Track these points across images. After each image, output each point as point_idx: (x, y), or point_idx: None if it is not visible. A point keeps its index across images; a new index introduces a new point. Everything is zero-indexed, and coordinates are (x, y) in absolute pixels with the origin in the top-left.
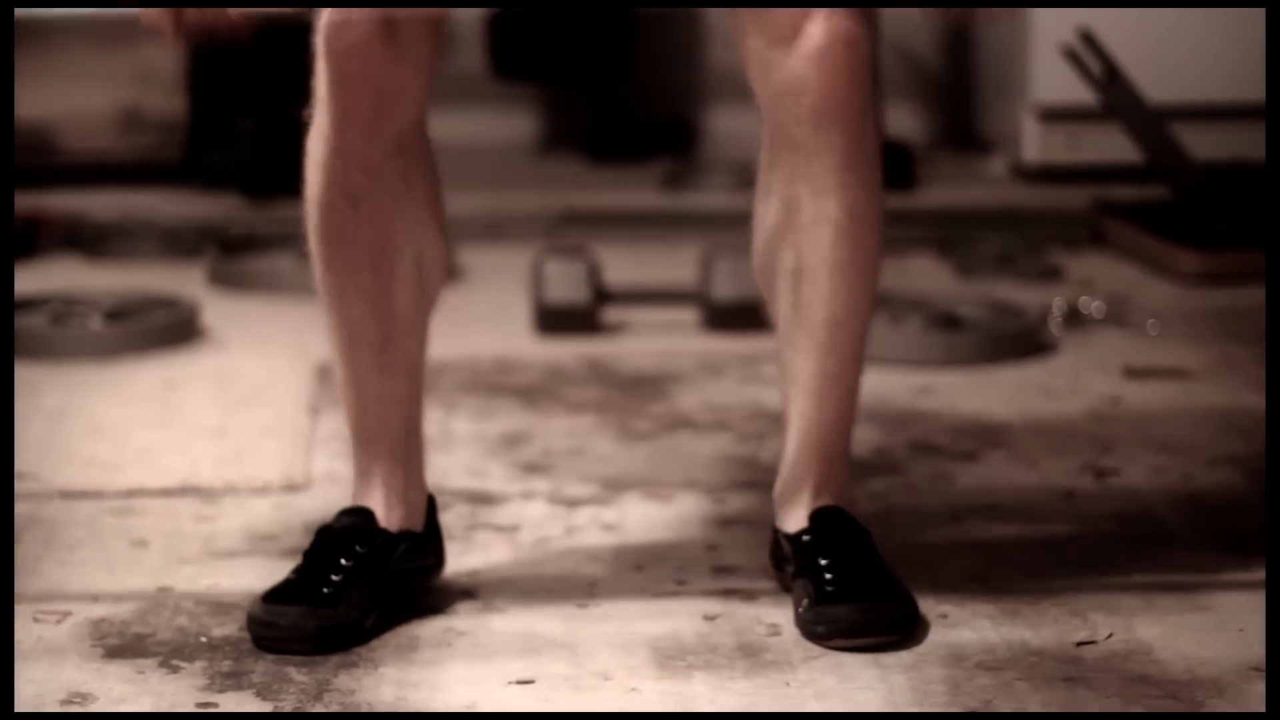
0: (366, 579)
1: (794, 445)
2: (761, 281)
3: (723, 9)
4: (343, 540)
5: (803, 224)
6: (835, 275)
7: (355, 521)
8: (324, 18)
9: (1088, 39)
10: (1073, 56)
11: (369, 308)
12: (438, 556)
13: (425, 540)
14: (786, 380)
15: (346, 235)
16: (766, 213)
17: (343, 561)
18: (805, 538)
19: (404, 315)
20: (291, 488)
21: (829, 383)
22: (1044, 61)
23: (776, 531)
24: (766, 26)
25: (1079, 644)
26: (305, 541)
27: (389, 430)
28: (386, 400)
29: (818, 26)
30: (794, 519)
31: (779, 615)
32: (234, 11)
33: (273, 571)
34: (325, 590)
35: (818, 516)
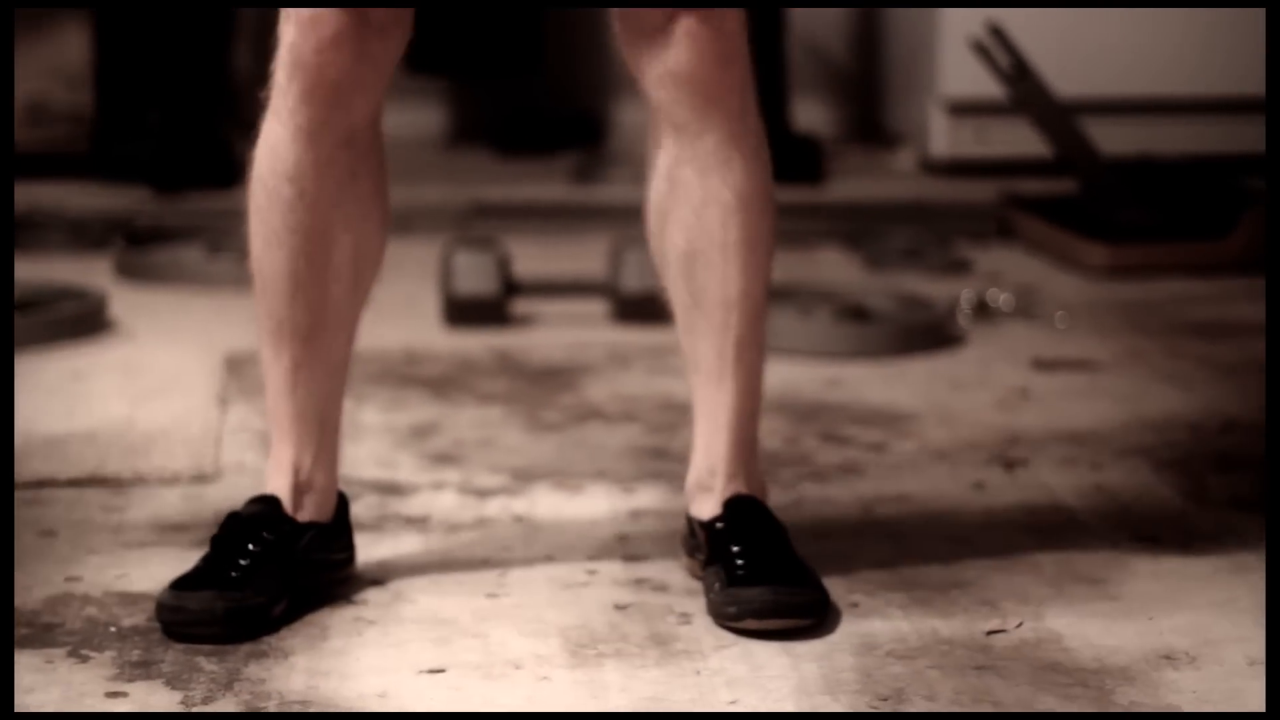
0: (274, 565)
1: (702, 431)
2: (658, 268)
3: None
4: (250, 526)
5: (692, 206)
6: (728, 255)
7: (262, 509)
8: (295, 7)
9: (996, 33)
10: (981, 50)
11: (300, 294)
12: (348, 551)
13: (334, 532)
14: (689, 367)
15: (286, 219)
16: (656, 196)
17: (250, 547)
18: (719, 525)
19: (334, 307)
20: (200, 478)
21: (731, 365)
22: (952, 55)
23: (690, 520)
24: (640, 14)
25: (989, 633)
26: (215, 531)
27: (305, 420)
28: (306, 390)
29: (688, 11)
30: (707, 507)
31: (690, 604)
32: None
33: (182, 562)
34: (233, 574)
35: (731, 504)
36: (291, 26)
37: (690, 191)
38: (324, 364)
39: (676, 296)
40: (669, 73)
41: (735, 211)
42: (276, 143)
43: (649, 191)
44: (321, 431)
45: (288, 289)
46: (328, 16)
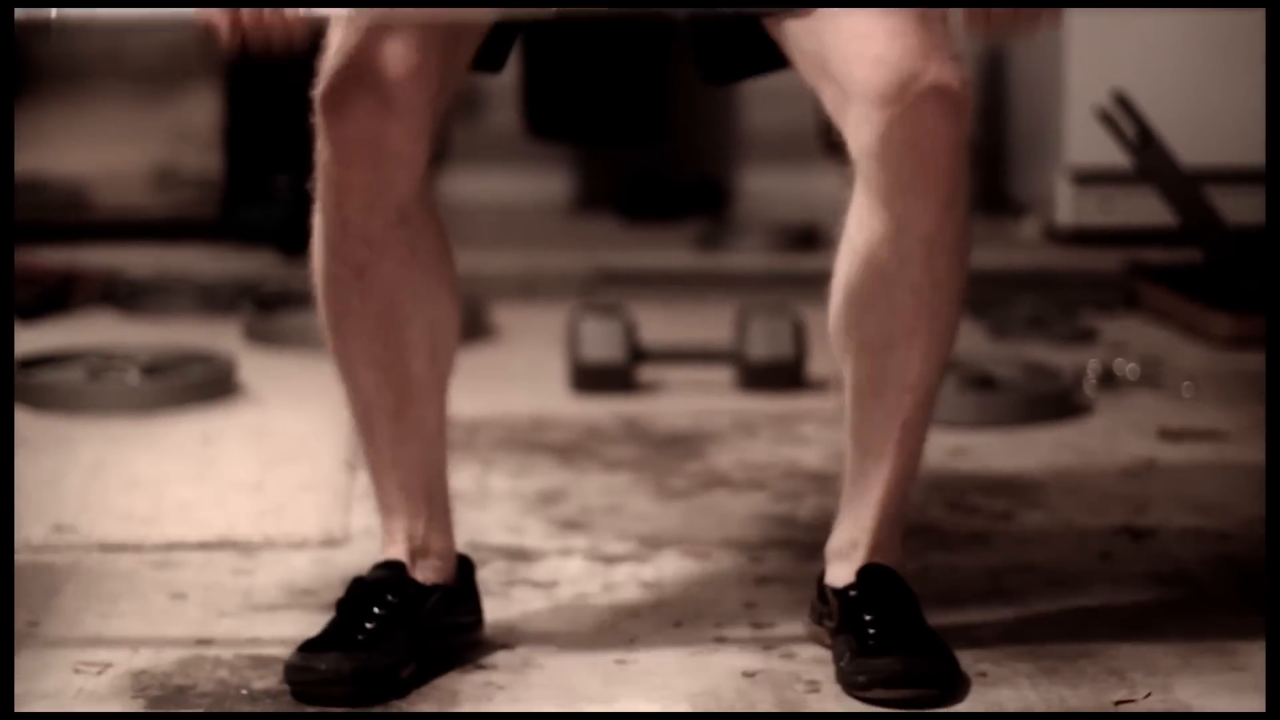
0: (401, 627)
1: (851, 504)
2: (835, 338)
3: (807, 62)
4: (375, 590)
5: (885, 287)
6: (913, 344)
7: (386, 573)
8: (319, 85)
9: (1121, 101)
10: (1106, 119)
11: (381, 376)
12: (476, 615)
13: (460, 596)
14: (851, 438)
15: (353, 306)
16: (850, 272)
17: (376, 610)
18: (852, 593)
19: (418, 381)
20: (330, 543)
21: (894, 445)
22: (1077, 123)
23: (821, 585)
24: (866, 83)
25: (1118, 703)
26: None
27: (410, 493)
28: (405, 465)
29: (924, 87)
30: (842, 574)
31: (818, 672)
32: (289, 12)
33: (311, 625)
34: (359, 636)
35: (865, 573)
36: (319, 116)
37: (888, 276)
38: (418, 438)
39: (851, 374)
40: (891, 152)
41: (929, 302)
42: (328, 235)
43: (838, 265)
44: (430, 501)
45: (368, 373)
46: (348, 87)
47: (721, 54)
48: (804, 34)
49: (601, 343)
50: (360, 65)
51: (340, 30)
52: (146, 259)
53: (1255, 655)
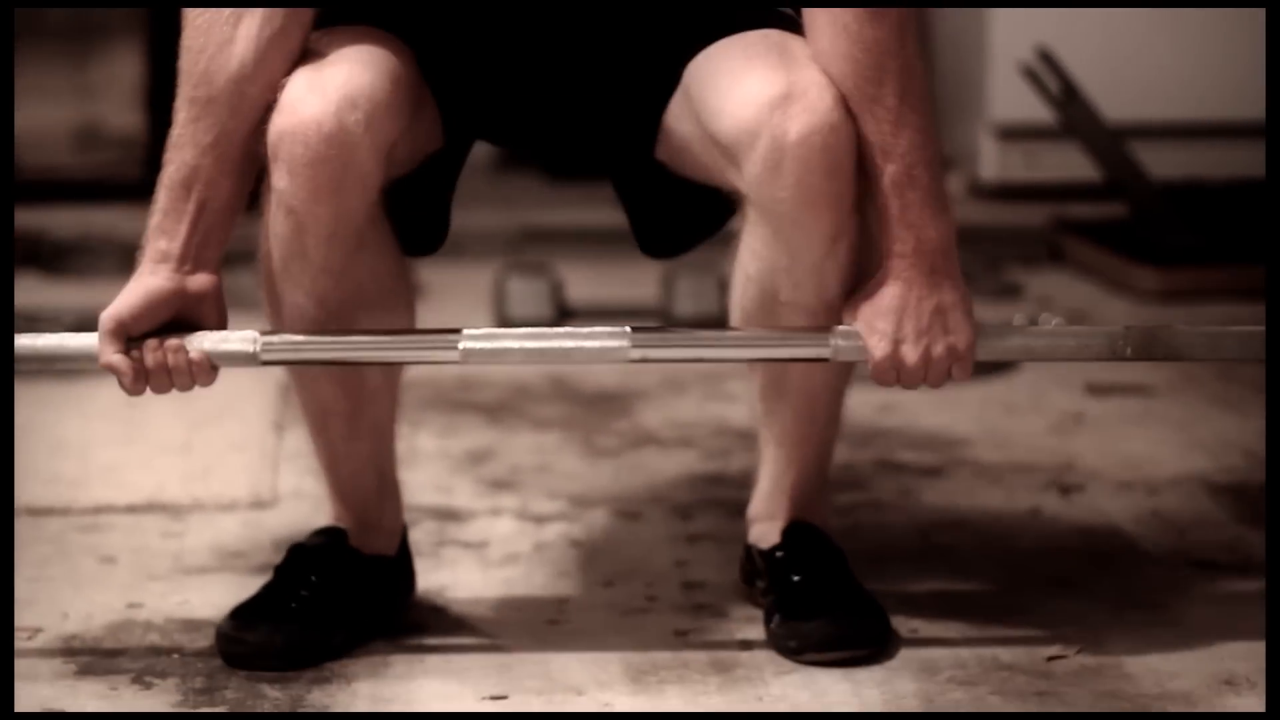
0: (337, 598)
1: (766, 482)
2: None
3: (690, 152)
4: (313, 558)
5: (782, 308)
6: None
7: (326, 541)
8: (278, 113)
9: (1046, 57)
10: (1031, 75)
11: (338, 388)
12: (410, 581)
13: (397, 565)
14: (761, 428)
15: (310, 329)
16: (745, 298)
17: (312, 579)
18: (778, 554)
19: (373, 388)
20: (259, 504)
21: (802, 443)
22: (1002, 80)
23: (748, 547)
24: (734, 126)
25: (1050, 659)
26: (274, 558)
27: (362, 483)
28: (356, 458)
29: (791, 120)
30: (767, 536)
31: (750, 630)
32: (194, 353)
33: (242, 588)
34: (293, 605)
35: (790, 532)
36: (271, 135)
37: (782, 297)
38: (370, 435)
39: (758, 376)
40: (768, 186)
41: (825, 320)
42: (286, 265)
43: (734, 291)
44: (381, 485)
45: (324, 386)
46: (306, 108)
47: (660, 231)
48: (680, 127)
49: (528, 301)
50: (329, 86)
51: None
52: (70, 220)
53: (1185, 610)
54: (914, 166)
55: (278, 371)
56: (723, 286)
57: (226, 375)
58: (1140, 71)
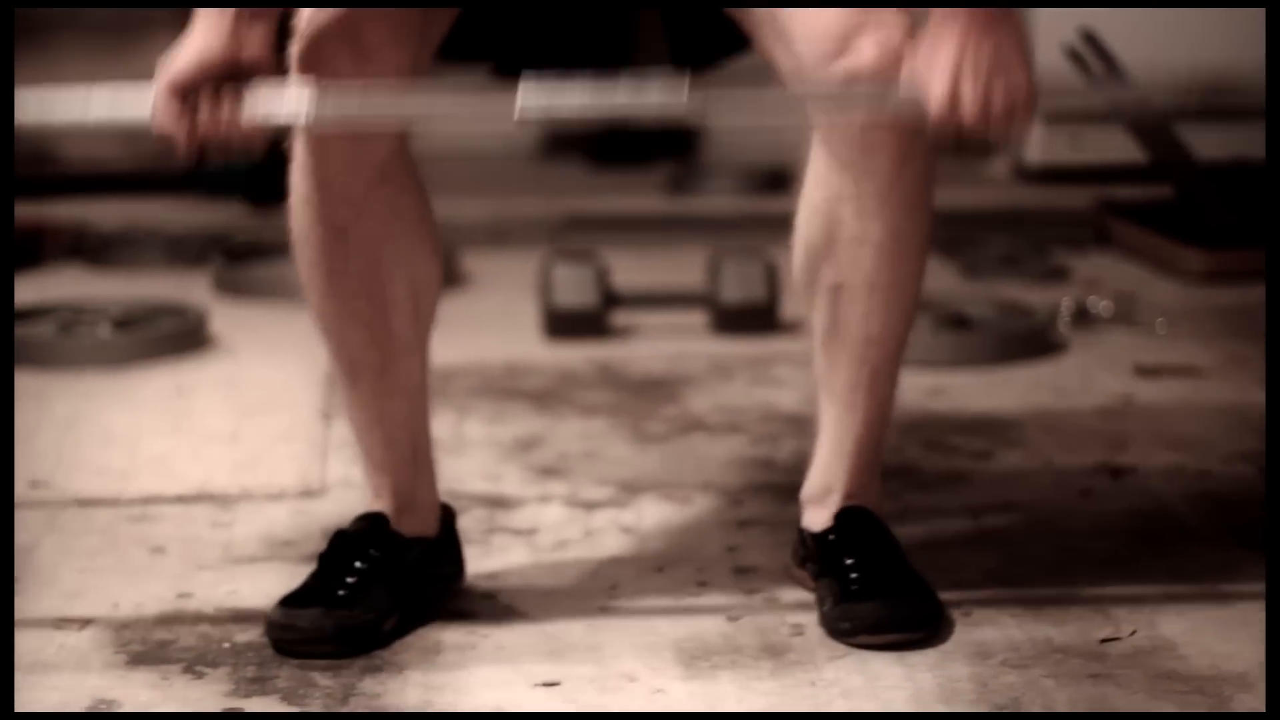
0: (383, 581)
1: (824, 450)
2: (801, 293)
3: (757, 27)
4: (357, 543)
5: (845, 242)
6: (875, 296)
7: (368, 525)
8: (297, 42)
9: (1090, 39)
10: (1075, 56)
11: (366, 334)
12: (456, 564)
13: (441, 546)
14: (822, 388)
15: (336, 266)
16: (809, 230)
17: (357, 564)
18: (830, 537)
19: (401, 338)
20: (307, 493)
21: (863, 394)
22: (1046, 61)
23: (801, 531)
24: (811, 43)
25: (1103, 640)
26: (323, 547)
27: (395, 447)
28: (390, 420)
29: (867, 43)
30: (819, 518)
31: (802, 615)
32: (245, 120)
33: (292, 577)
34: (341, 592)
35: (843, 516)
36: (293, 66)
37: (846, 230)
38: (402, 393)
39: (817, 322)
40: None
41: (889, 255)
42: (307, 196)
43: (799, 219)
44: (415, 454)
45: (352, 330)
46: (328, 62)
47: (691, 39)
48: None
49: (574, 288)
50: (340, 22)
51: None
52: (114, 212)
53: (1237, 591)
54: None
55: (323, 360)
56: (770, 272)
57: (272, 365)
58: (1185, 52)
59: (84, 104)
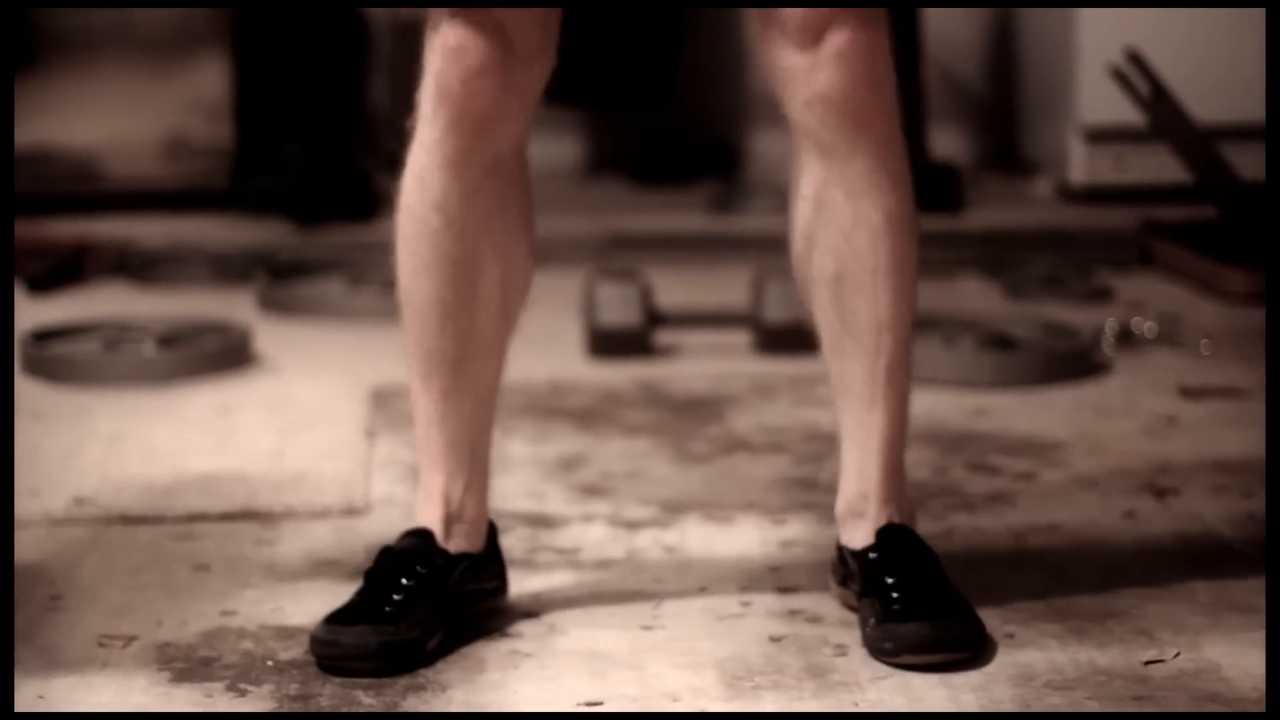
0: (429, 598)
1: (852, 455)
2: (802, 291)
3: (750, 19)
4: (403, 560)
5: (840, 229)
6: (878, 278)
7: (415, 542)
8: (441, 38)
9: (1135, 59)
10: (1120, 76)
11: (449, 323)
12: (500, 580)
13: (485, 562)
14: (838, 390)
15: (435, 249)
16: (803, 220)
17: (404, 581)
18: (872, 555)
19: (483, 335)
20: (351, 512)
21: (882, 389)
22: (1090, 82)
23: (841, 548)
24: (789, 33)
25: (1147, 663)
26: (367, 565)
27: (456, 449)
28: (457, 419)
29: (839, 32)
30: (859, 535)
31: (845, 635)
32: None
33: (336, 595)
34: (387, 609)
35: (884, 534)
36: (437, 57)
37: (839, 214)
38: (474, 392)
39: (824, 320)
40: (818, 95)
41: (885, 234)
42: (423, 172)
43: (793, 215)
44: (472, 460)
45: (436, 318)
46: (474, 46)
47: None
48: None
49: (618, 308)
50: (484, 13)
51: None
52: (158, 229)
53: None
54: None
55: (370, 378)
56: None
57: (316, 384)
58: (1230, 71)
59: None
